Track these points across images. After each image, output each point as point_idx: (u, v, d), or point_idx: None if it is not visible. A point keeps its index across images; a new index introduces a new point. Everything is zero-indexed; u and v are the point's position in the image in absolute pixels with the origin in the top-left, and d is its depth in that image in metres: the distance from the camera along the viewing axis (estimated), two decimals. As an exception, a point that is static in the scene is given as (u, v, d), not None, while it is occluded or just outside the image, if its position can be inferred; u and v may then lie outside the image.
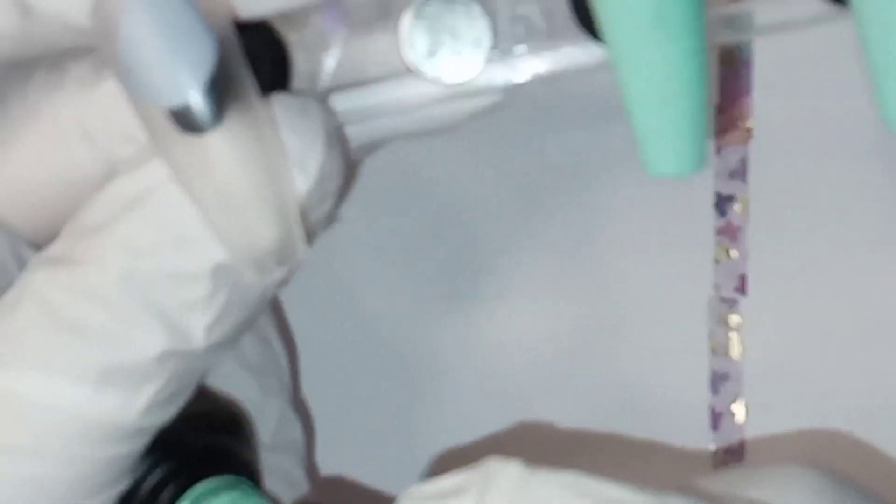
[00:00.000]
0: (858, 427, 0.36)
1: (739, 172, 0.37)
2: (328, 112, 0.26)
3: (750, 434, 0.37)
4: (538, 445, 0.38)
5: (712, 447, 0.37)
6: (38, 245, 0.29)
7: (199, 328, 0.26)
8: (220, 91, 0.23)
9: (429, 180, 0.38)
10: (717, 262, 0.37)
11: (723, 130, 0.37)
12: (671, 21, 0.21)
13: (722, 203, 0.37)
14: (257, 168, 0.24)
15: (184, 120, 0.23)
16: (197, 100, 0.23)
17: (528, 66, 0.26)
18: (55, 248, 0.26)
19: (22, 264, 0.29)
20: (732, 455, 0.37)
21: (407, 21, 0.25)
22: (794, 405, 0.37)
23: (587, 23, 0.25)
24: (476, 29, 0.25)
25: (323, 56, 0.26)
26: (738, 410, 0.37)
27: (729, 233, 0.37)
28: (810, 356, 0.37)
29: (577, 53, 0.26)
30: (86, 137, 0.27)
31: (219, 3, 0.24)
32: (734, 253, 0.37)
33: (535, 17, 0.26)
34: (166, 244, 0.25)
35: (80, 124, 0.27)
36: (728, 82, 0.37)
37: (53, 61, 0.28)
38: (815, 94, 0.36)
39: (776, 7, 0.27)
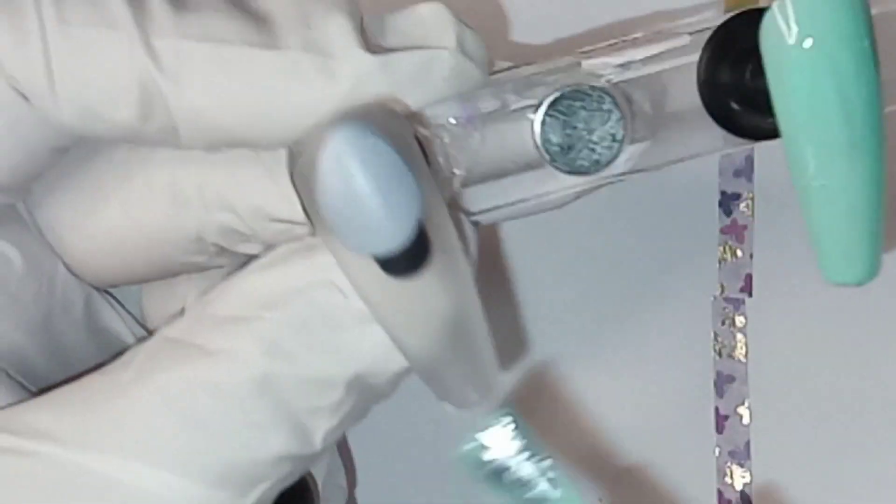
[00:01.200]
0: (862, 428, 0.36)
1: (745, 171, 0.37)
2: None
3: (755, 436, 0.37)
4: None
5: (717, 451, 0.37)
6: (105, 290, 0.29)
7: (321, 432, 0.25)
8: (426, 234, 0.23)
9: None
10: (722, 261, 0.37)
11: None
12: (862, 148, 0.22)
13: (727, 202, 0.37)
14: (468, 292, 0.25)
15: (393, 266, 0.23)
16: (407, 246, 0.23)
17: (650, 155, 0.27)
18: (179, 331, 0.26)
19: (89, 310, 0.29)
20: (737, 458, 0.37)
21: (541, 116, 0.26)
22: (799, 407, 0.36)
23: (718, 115, 0.26)
24: (609, 122, 0.26)
25: (460, 155, 0.26)
26: (744, 413, 0.37)
27: (734, 232, 0.37)
28: (816, 357, 0.37)
29: (692, 143, 0.27)
30: (176, 201, 0.27)
31: (402, 118, 0.24)
32: (740, 253, 0.37)
33: (652, 111, 0.26)
34: (311, 349, 0.25)
35: (172, 187, 0.27)
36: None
37: None
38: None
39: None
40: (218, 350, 0.25)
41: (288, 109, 0.25)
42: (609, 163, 0.26)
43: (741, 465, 0.37)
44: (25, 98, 0.25)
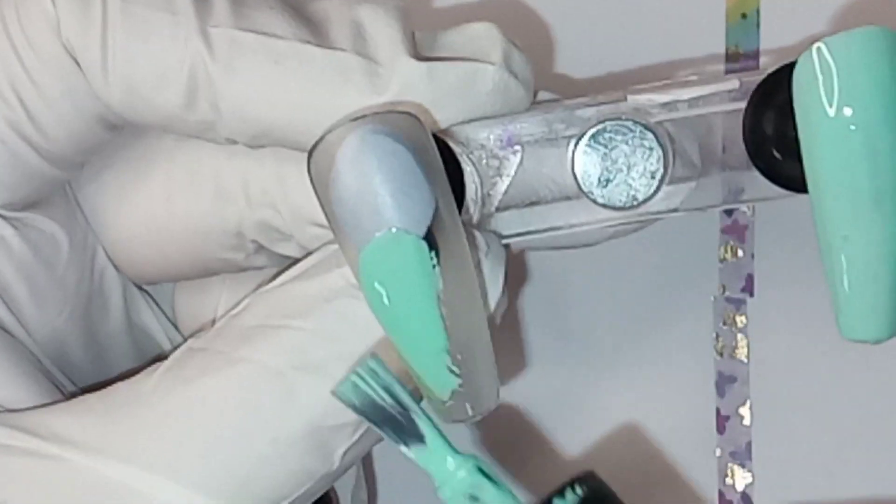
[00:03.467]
0: (863, 428, 0.36)
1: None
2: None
3: (756, 437, 0.36)
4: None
5: (718, 451, 0.37)
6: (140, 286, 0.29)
7: (341, 450, 0.25)
8: (435, 239, 0.23)
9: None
10: (723, 261, 0.37)
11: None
12: (887, 202, 0.22)
13: (728, 201, 0.37)
14: (474, 306, 0.24)
15: None
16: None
17: (689, 197, 0.27)
18: (204, 340, 0.25)
19: (126, 304, 0.29)
20: (738, 458, 0.36)
21: (582, 147, 0.26)
22: (800, 407, 0.36)
23: (761, 163, 0.26)
24: (650, 159, 0.26)
25: (496, 177, 0.26)
26: (745, 413, 0.36)
27: (736, 232, 0.37)
28: (817, 357, 0.36)
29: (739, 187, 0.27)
30: (220, 193, 0.27)
31: (424, 122, 0.24)
32: (741, 252, 0.37)
33: (694, 153, 0.26)
34: (340, 361, 0.24)
35: (216, 180, 0.27)
36: (735, 77, 0.36)
37: None
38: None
39: None
40: (243, 359, 0.25)
41: (331, 108, 0.25)
42: (646, 200, 0.26)
43: (742, 466, 0.36)
44: (78, 65, 0.25)
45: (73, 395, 0.27)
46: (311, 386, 0.24)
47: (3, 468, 0.24)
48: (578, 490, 0.24)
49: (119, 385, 0.26)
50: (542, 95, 0.28)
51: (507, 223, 0.27)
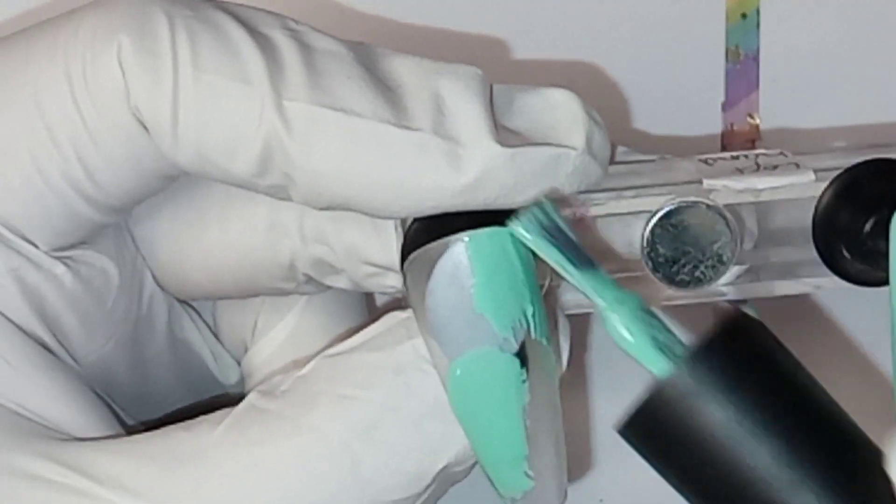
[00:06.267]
0: (868, 429, 0.36)
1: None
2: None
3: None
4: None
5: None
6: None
7: None
8: (527, 354, 0.24)
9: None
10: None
11: (730, 126, 0.36)
12: None
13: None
14: (555, 414, 0.25)
15: None
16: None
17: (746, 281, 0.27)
18: (272, 401, 0.25)
19: (171, 321, 0.29)
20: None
21: (652, 224, 0.26)
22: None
23: (826, 257, 0.26)
24: (719, 244, 0.26)
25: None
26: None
27: (736, 232, 0.36)
28: (817, 357, 0.36)
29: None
30: (275, 229, 0.27)
31: None
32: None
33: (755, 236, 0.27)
34: (405, 436, 0.25)
35: (272, 215, 0.27)
36: (735, 78, 0.36)
37: None
38: (822, 90, 0.36)
39: None
40: (309, 428, 0.25)
41: (409, 189, 0.24)
42: (711, 282, 0.26)
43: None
44: (146, 130, 0.24)
45: (120, 419, 0.28)
46: (376, 459, 0.24)
47: None
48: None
49: (178, 431, 0.26)
50: (619, 150, 0.28)
51: (570, 293, 0.27)
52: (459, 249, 0.23)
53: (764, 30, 0.36)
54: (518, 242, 0.23)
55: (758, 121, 0.36)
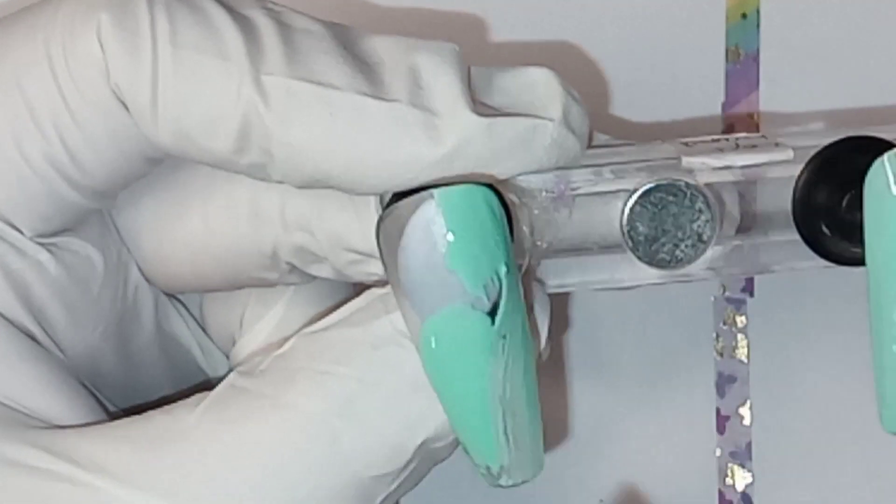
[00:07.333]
0: (864, 429, 0.36)
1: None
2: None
3: (756, 437, 0.36)
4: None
5: (718, 452, 0.37)
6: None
7: (378, 499, 0.25)
8: (500, 312, 0.24)
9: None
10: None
11: (730, 125, 0.36)
12: None
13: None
14: (530, 376, 0.25)
15: None
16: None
17: (728, 260, 0.27)
18: (250, 380, 0.26)
19: (157, 314, 0.29)
20: (738, 459, 0.36)
21: (632, 203, 0.26)
22: (800, 408, 0.36)
23: (807, 235, 0.26)
24: (698, 222, 0.26)
25: (545, 228, 0.26)
26: (745, 413, 0.36)
27: (736, 232, 0.36)
28: (818, 357, 0.36)
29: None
30: (257, 217, 0.27)
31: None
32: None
33: (737, 216, 0.27)
34: (384, 411, 0.25)
35: (253, 203, 0.27)
36: (735, 78, 0.36)
37: None
38: (822, 90, 0.36)
39: None
40: (287, 405, 0.25)
41: (387, 161, 0.25)
42: (690, 261, 0.26)
43: (742, 466, 0.36)
44: (126, 108, 0.25)
45: (106, 409, 0.28)
46: (355, 434, 0.24)
47: (37, 492, 0.24)
48: None
49: (158, 415, 0.26)
50: (598, 137, 0.28)
51: (551, 273, 0.27)
52: (430, 206, 0.23)
53: (764, 30, 0.36)
54: (490, 203, 0.23)
55: (757, 121, 0.36)
